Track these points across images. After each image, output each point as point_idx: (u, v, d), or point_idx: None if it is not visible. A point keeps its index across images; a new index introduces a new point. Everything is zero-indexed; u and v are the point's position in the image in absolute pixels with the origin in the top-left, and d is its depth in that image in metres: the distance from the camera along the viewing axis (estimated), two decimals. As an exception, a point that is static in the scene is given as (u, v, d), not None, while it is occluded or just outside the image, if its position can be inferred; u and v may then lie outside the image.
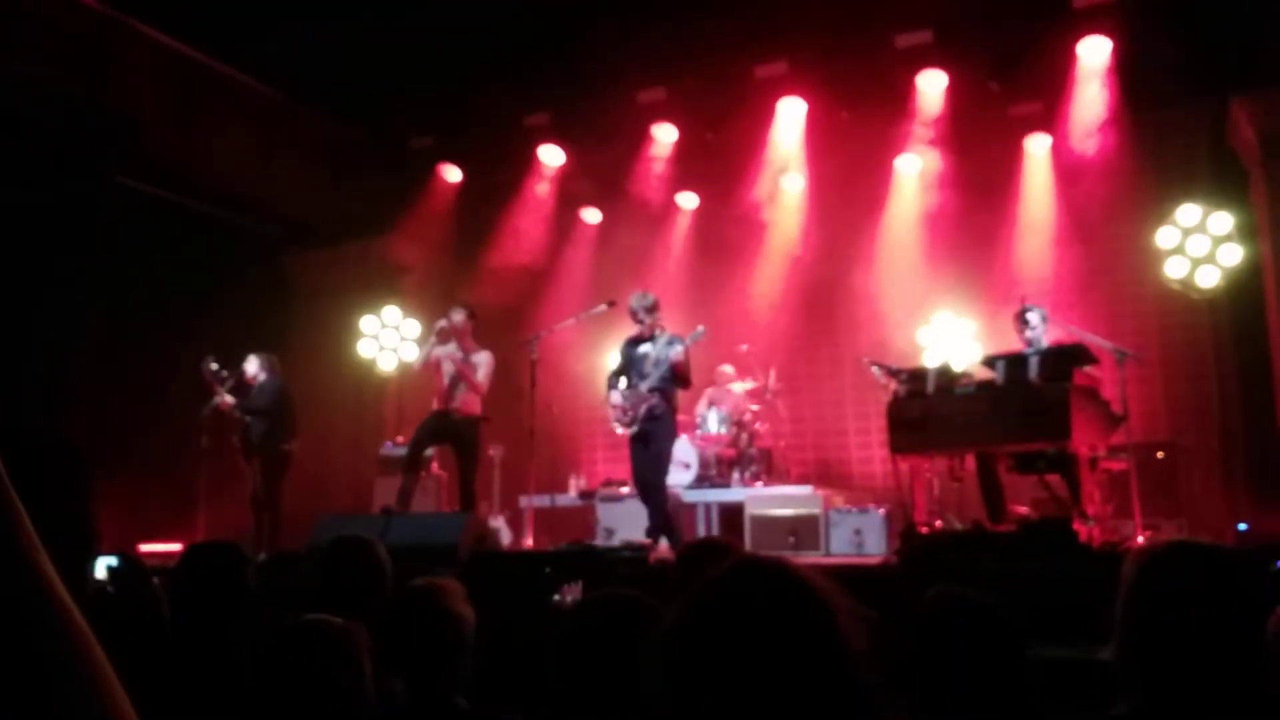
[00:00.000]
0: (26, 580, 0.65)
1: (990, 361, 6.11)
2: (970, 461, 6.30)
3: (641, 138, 9.34)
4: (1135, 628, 1.61)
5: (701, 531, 8.30)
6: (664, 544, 6.65)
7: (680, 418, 8.94)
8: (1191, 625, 1.54)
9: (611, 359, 7.24)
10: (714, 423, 8.91)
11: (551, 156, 9.84)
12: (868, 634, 0.98)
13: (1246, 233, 7.79)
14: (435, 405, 7.35)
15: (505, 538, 8.31)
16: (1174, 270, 7.91)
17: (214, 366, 7.71)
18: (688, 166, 9.59)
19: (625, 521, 7.86)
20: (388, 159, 10.08)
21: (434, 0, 7.83)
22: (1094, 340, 6.24)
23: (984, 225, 8.94)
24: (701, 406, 9.13)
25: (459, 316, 7.25)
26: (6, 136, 7.05)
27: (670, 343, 6.60)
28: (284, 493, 7.83)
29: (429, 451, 7.86)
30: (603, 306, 7.32)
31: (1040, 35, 7.83)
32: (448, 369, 7.24)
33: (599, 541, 7.64)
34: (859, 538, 7.47)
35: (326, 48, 8.17)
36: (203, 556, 3.06)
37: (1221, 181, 8.24)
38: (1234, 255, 7.74)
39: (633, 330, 6.86)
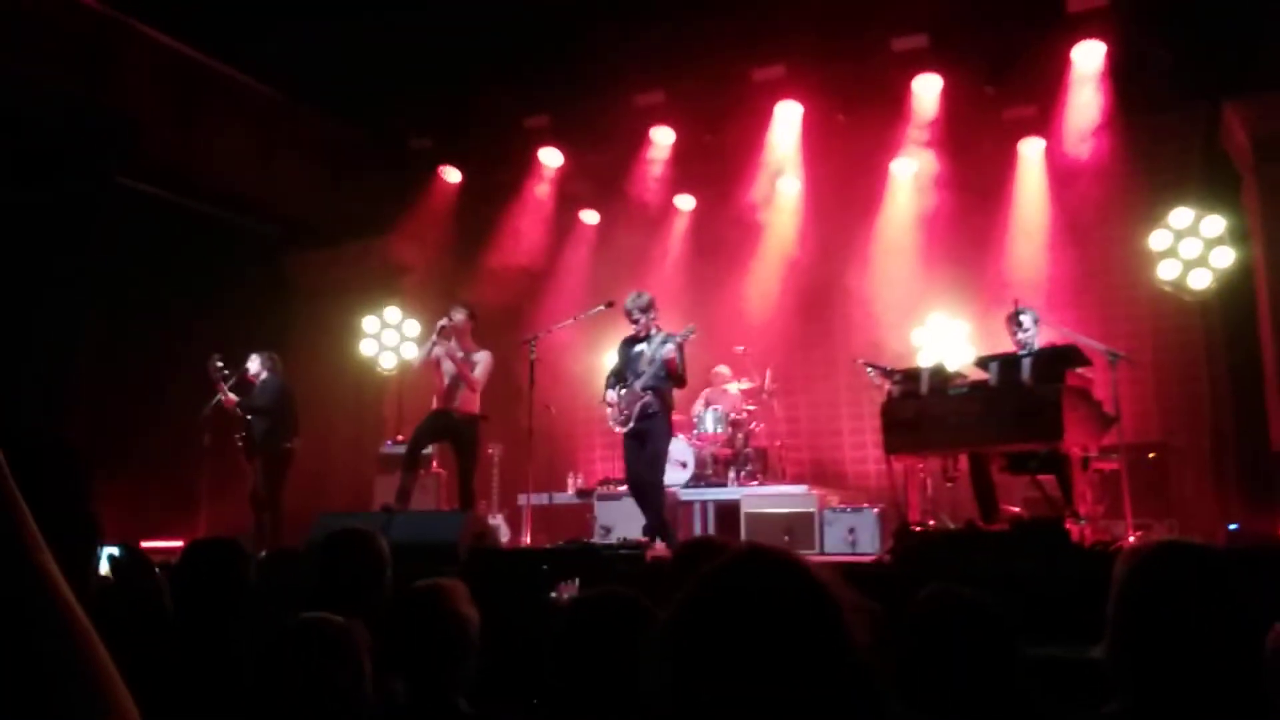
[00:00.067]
0: (30, 579, 0.65)
1: (983, 362, 6.13)
2: (963, 461, 6.33)
3: (640, 140, 9.38)
4: (1126, 627, 1.62)
5: (698, 530, 8.35)
6: (660, 542, 6.70)
7: (677, 417, 8.99)
8: (1182, 624, 1.55)
9: (609, 359, 7.29)
10: (710, 422, 8.96)
11: (551, 158, 9.88)
12: (872, 627, 0.98)
13: (1238, 236, 7.84)
14: (435, 404, 7.39)
15: (504, 535, 8.36)
16: (1166, 273, 7.96)
17: (219, 364, 7.75)
18: (685, 168, 9.64)
19: (622, 520, 7.90)
20: (388, 159, 10.10)
21: (434, 1, 7.84)
22: (1086, 342, 6.27)
23: (978, 228, 8.98)
24: (698, 406, 9.19)
25: (459, 316, 7.28)
26: (6, 136, 7.06)
27: (664, 342, 6.65)
28: (285, 491, 7.87)
29: (428, 450, 7.89)
30: (601, 307, 7.36)
31: (1035, 39, 7.87)
32: (448, 368, 7.28)
33: (596, 539, 7.68)
34: (853, 537, 7.52)
35: (326, 48, 8.18)
36: (203, 553, 3.07)
37: (1214, 185, 8.28)
38: (1226, 258, 7.78)
39: (630, 330, 6.91)
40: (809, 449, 10.08)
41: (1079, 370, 5.95)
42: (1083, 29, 7.76)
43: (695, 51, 8.17)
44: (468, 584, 2.58)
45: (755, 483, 8.67)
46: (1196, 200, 8.04)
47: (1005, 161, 9.02)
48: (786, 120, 9.03)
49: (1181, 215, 7.94)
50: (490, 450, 9.04)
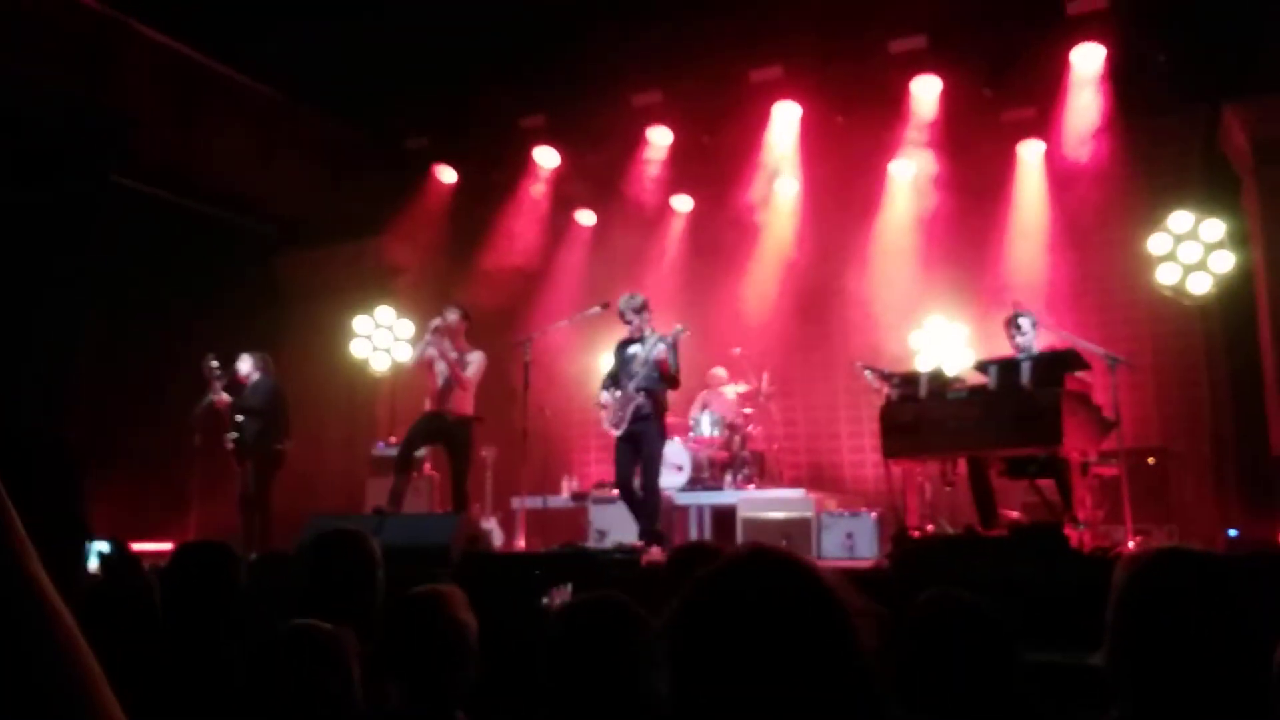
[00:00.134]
0: (16, 584, 0.65)
1: (982, 366, 6.12)
2: (962, 466, 6.31)
3: (637, 140, 9.36)
4: (1126, 635, 1.61)
5: (694, 534, 8.31)
6: (656, 546, 6.65)
7: (673, 419, 8.95)
8: (1182, 633, 1.54)
9: (605, 361, 7.24)
10: (707, 425, 8.92)
11: (547, 158, 9.85)
12: (878, 631, 0.98)
13: (1238, 239, 7.81)
14: (428, 406, 7.34)
15: (497, 539, 8.31)
16: (1166, 277, 7.94)
17: (214, 364, 7.71)
18: (683, 169, 9.61)
19: (618, 524, 7.85)
20: (384, 159, 10.08)
21: (431, 1, 7.82)
22: (1086, 345, 6.25)
23: (977, 230, 8.96)
24: (694, 409, 9.14)
25: (453, 316, 7.24)
26: (5, 136, 7.03)
27: (657, 343, 6.61)
28: (275, 493, 7.82)
29: (421, 452, 7.85)
30: (596, 308, 7.32)
31: (1034, 41, 7.87)
32: (440, 369, 7.24)
33: (591, 543, 7.63)
34: (851, 541, 7.47)
35: (324, 48, 8.16)
36: (194, 556, 3.03)
37: (1214, 188, 8.27)
38: (1226, 262, 7.76)
39: (625, 332, 6.87)
40: (806, 452, 10.04)
41: (1078, 374, 5.93)
42: (1082, 31, 7.76)
43: (693, 51, 8.16)
44: (459, 588, 2.55)
45: (752, 486, 8.63)
46: (1196, 203, 8.02)
47: (1004, 164, 9.01)
48: (784, 121, 9.01)
49: (1181, 218, 7.92)
50: (483, 453, 8.98)
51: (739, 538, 7.78)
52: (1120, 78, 7.83)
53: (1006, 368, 5.91)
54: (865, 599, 0.99)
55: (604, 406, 6.82)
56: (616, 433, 6.71)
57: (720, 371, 9.38)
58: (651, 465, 6.66)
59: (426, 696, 2.35)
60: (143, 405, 8.38)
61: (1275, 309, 7.55)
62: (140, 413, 8.33)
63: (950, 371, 6.51)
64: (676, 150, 9.44)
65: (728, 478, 8.78)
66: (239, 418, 7.71)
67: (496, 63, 8.47)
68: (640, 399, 6.59)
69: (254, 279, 9.82)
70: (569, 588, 4.89)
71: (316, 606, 2.43)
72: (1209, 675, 1.51)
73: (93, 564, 3.54)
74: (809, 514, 7.71)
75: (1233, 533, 6.89)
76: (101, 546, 3.67)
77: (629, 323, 6.73)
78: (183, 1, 8.04)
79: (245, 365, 7.89)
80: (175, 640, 2.78)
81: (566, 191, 10.16)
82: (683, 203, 10.37)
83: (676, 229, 10.44)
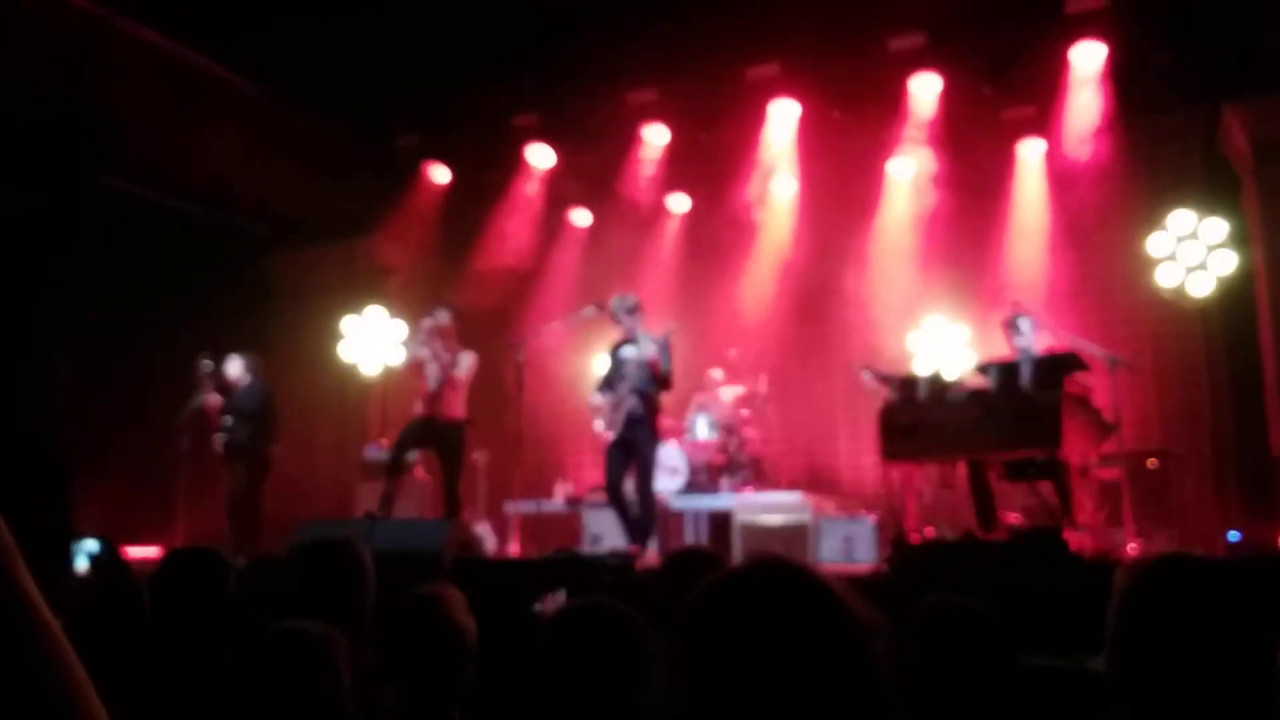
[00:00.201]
0: (3, 591, 0.64)
1: (982, 368, 6.13)
2: (961, 469, 6.30)
3: (632, 139, 9.32)
4: (1127, 640, 1.59)
5: (690, 539, 8.24)
6: (651, 551, 6.58)
7: (669, 422, 8.90)
8: (1183, 639, 1.52)
9: (600, 363, 7.18)
10: (703, 428, 8.85)
11: (540, 157, 9.79)
12: (886, 645, 0.97)
13: (1239, 240, 7.79)
14: (419, 409, 7.27)
15: (490, 545, 8.23)
16: (1166, 277, 7.90)
17: (208, 364, 7.64)
18: (678, 168, 9.57)
19: (613, 529, 7.75)
20: (375, 158, 10.02)
21: (422, -1, 7.78)
22: (1086, 347, 6.24)
23: (976, 230, 8.94)
24: (690, 412, 9.08)
25: (444, 317, 7.18)
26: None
27: (648, 344, 6.54)
28: (265, 497, 7.75)
29: (413, 456, 7.77)
30: (590, 309, 7.23)
31: (1034, 40, 7.86)
32: (432, 371, 7.17)
33: (586, 548, 7.56)
34: (849, 545, 7.41)
35: (314, 46, 8.12)
36: (182, 562, 3.04)
37: (1214, 188, 8.25)
38: (1227, 263, 7.72)
39: (619, 334, 6.81)
40: (804, 455, 9.98)
41: (1078, 376, 5.91)
42: (1082, 30, 7.75)
43: (689, 49, 8.13)
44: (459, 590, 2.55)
45: (749, 490, 8.56)
46: (1196, 203, 8.00)
47: (1004, 163, 8.99)
48: (782, 119, 8.96)
49: (1181, 219, 7.89)
50: (476, 456, 8.90)
51: (735, 542, 7.71)
52: (1120, 77, 7.83)
53: (1006, 370, 5.93)
54: (871, 607, 0.98)
55: (597, 409, 6.75)
56: (611, 436, 6.64)
57: (717, 373, 9.32)
58: (645, 470, 6.59)
59: (425, 698, 2.34)
60: (131, 407, 8.34)
61: (1276, 310, 7.53)
62: (128, 415, 8.28)
63: (950, 373, 6.48)
64: (672, 149, 9.39)
65: (724, 481, 8.72)
66: (228, 420, 7.64)
67: (489, 60, 8.43)
68: (632, 401, 6.51)
69: (244, 279, 9.76)
70: (562, 594, 4.82)
71: (306, 612, 2.41)
72: (1210, 681, 1.50)
73: (81, 564, 3.49)
74: (806, 518, 7.65)
75: (1233, 535, 6.85)
76: (90, 546, 3.62)
77: (621, 324, 6.66)
78: (170, 0, 7.97)
79: (236, 368, 7.81)
80: (164, 646, 2.78)
81: (561, 191, 10.10)
82: (679, 202, 10.32)
83: (672, 229, 10.39)
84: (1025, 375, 5.75)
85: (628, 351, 6.63)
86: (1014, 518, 6.66)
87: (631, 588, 4.90)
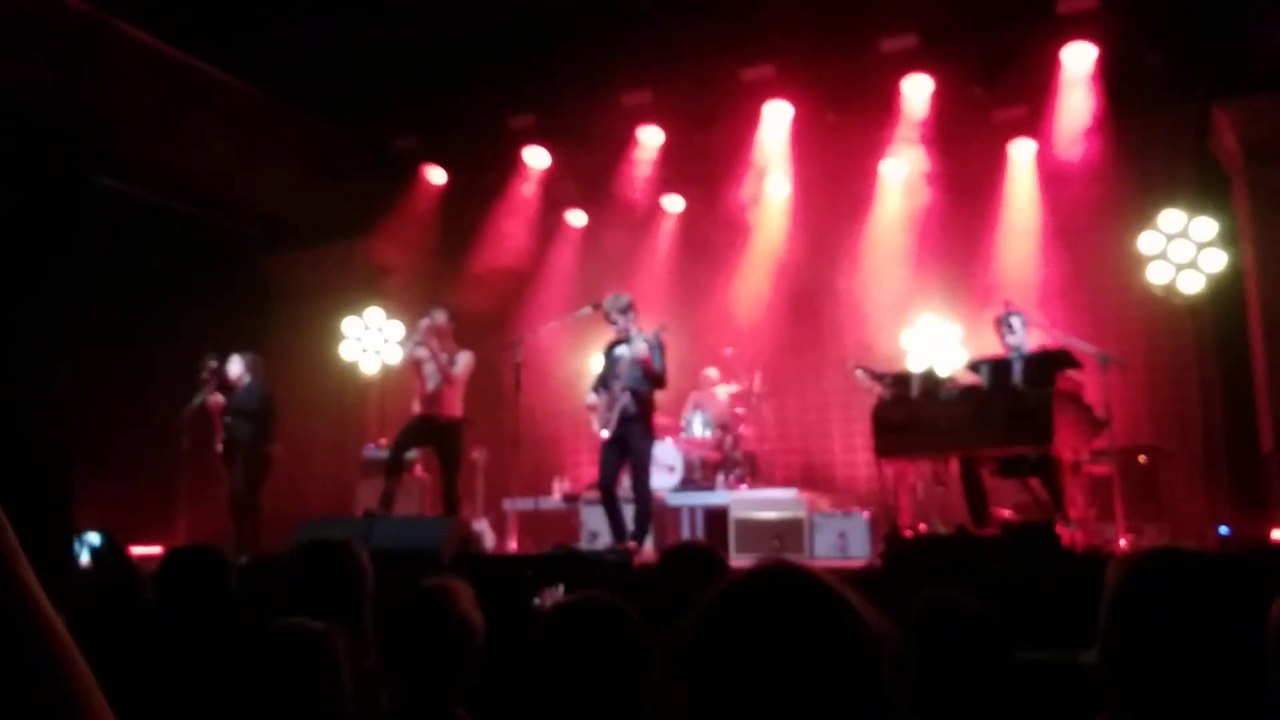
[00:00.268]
0: (7, 590, 0.64)
1: (974, 365, 6.14)
2: (954, 465, 6.32)
3: (627, 140, 9.34)
4: (1119, 634, 1.61)
5: (686, 535, 8.29)
6: (648, 547, 6.63)
7: (664, 420, 8.94)
8: (1175, 632, 1.54)
9: (596, 362, 7.23)
10: (698, 426, 8.91)
11: (536, 158, 9.82)
12: (895, 653, 0.97)
13: (1229, 239, 7.85)
14: (416, 408, 7.31)
15: (488, 541, 8.28)
16: (1157, 275, 7.96)
17: (213, 364, 7.68)
18: (674, 169, 9.60)
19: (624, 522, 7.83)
20: (371, 160, 10.03)
21: (419, 1, 7.78)
22: (1077, 344, 6.28)
23: (968, 229, 8.99)
24: (686, 410, 9.14)
25: (441, 317, 7.22)
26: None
27: (640, 342, 6.60)
28: (265, 496, 7.78)
29: (412, 454, 7.81)
30: (587, 309, 7.28)
31: (1025, 40, 7.89)
32: (429, 370, 7.21)
33: (583, 545, 7.61)
34: (843, 541, 7.47)
35: (310, 48, 8.11)
36: (184, 561, 3.04)
37: (1204, 187, 8.30)
38: (1217, 261, 7.78)
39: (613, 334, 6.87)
40: (799, 452, 10.04)
41: (1070, 373, 5.95)
42: (1073, 30, 7.77)
43: (683, 51, 8.14)
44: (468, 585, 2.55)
45: (744, 487, 8.62)
46: (1187, 203, 8.05)
47: (995, 163, 9.04)
48: (776, 120, 9.00)
49: (1172, 218, 7.94)
50: (475, 455, 8.95)
51: (731, 538, 7.78)
52: (1111, 77, 7.86)
53: (998, 367, 5.93)
54: (884, 619, 0.99)
55: (592, 408, 6.81)
56: (605, 434, 6.69)
57: (712, 372, 9.38)
58: (641, 467, 6.64)
59: (428, 692, 2.33)
60: (130, 407, 8.34)
61: (1266, 307, 7.59)
62: (128, 414, 8.28)
63: (942, 371, 6.52)
64: (667, 150, 9.42)
65: (720, 478, 8.77)
66: (228, 419, 7.67)
67: (485, 62, 8.44)
68: (626, 400, 6.57)
69: (242, 280, 9.77)
70: (560, 588, 4.87)
71: (306, 611, 2.39)
72: (1201, 673, 1.52)
73: (84, 558, 3.52)
74: (801, 514, 7.71)
75: (1224, 530, 6.91)
76: (92, 539, 3.66)
77: (614, 324, 6.72)
78: (166, 2, 7.98)
79: (237, 367, 7.84)
80: (166, 644, 2.78)
81: (557, 192, 10.13)
82: (674, 203, 10.36)
83: (667, 229, 10.43)
84: (1017, 372, 5.78)
85: (621, 351, 6.69)
86: (1006, 513, 6.72)
87: (629, 583, 4.96)
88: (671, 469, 8.61)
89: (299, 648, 2.11)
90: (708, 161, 9.48)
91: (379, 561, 3.08)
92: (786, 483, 9.00)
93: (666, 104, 8.89)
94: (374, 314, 9.73)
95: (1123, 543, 5.79)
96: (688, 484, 8.68)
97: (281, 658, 2.10)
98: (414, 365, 7.30)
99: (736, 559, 6.89)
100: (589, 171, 9.79)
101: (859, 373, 6.81)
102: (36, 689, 0.63)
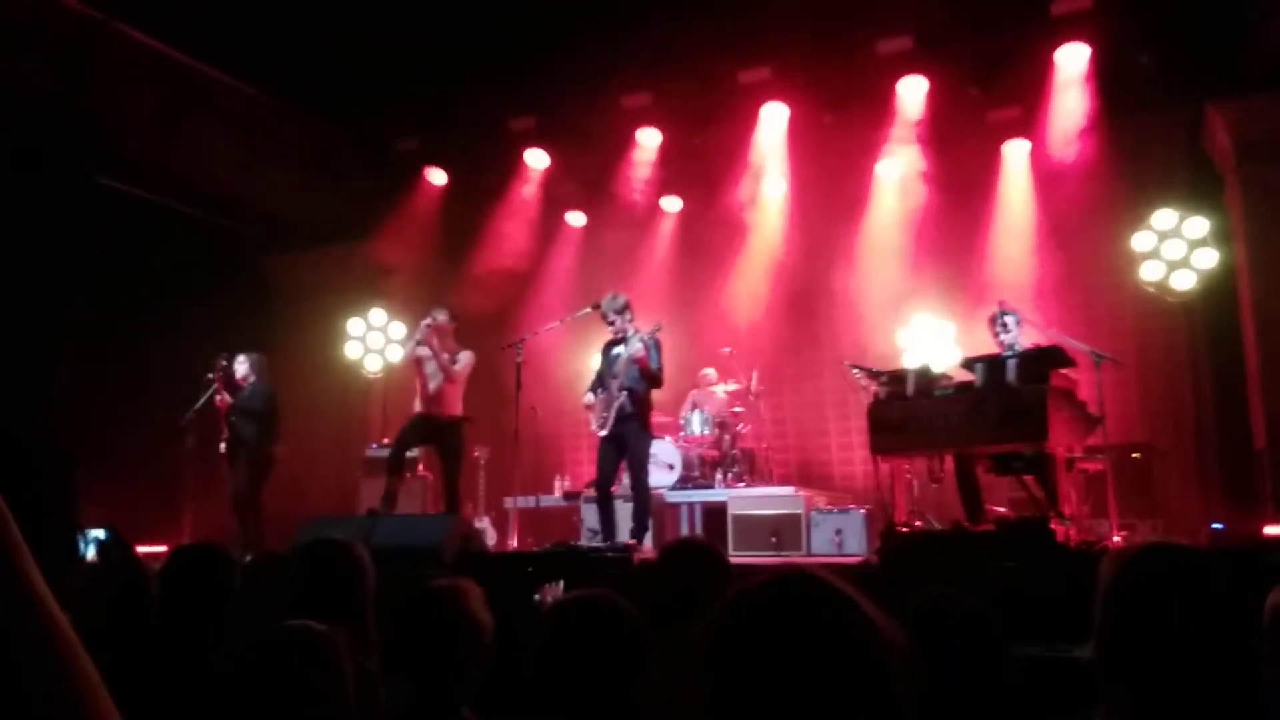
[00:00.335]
0: (12, 589, 0.64)
1: (969, 364, 6.15)
2: (949, 462, 6.35)
3: (626, 142, 9.39)
4: (1114, 628, 1.63)
5: (685, 532, 8.35)
6: (648, 544, 6.69)
7: (663, 419, 9.01)
8: (1169, 626, 1.56)
9: (596, 361, 7.29)
10: (697, 424, 8.97)
11: (537, 159, 9.87)
12: (910, 667, 0.97)
13: (1221, 237, 7.90)
14: (417, 407, 7.35)
15: (490, 539, 8.34)
16: (1150, 274, 8.02)
17: (224, 363, 7.72)
18: (672, 170, 9.66)
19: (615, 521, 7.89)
20: (373, 161, 10.05)
21: (421, 3, 7.81)
22: (1071, 342, 6.31)
23: (963, 228, 9.04)
24: (685, 408, 9.20)
25: (441, 316, 7.26)
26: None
27: (637, 342, 6.66)
28: (268, 495, 7.82)
29: (413, 453, 7.86)
30: (587, 309, 7.34)
31: (1019, 42, 7.92)
32: (430, 369, 7.25)
33: (584, 542, 7.67)
34: (840, 537, 7.54)
35: (311, 49, 8.12)
36: (188, 559, 3.06)
37: (1197, 186, 8.35)
38: (1209, 259, 7.84)
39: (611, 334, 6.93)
40: (796, 450, 10.11)
41: (1063, 371, 5.98)
42: (1066, 32, 7.80)
43: (682, 53, 8.17)
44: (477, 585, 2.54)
45: (742, 484, 8.69)
46: (1180, 201, 8.11)
47: (990, 163, 9.08)
48: (773, 122, 9.05)
49: (1165, 216, 8.00)
50: (476, 453, 9.02)
51: (729, 535, 7.84)
52: (1105, 78, 7.88)
53: (993, 365, 5.94)
54: (897, 628, 0.99)
55: (590, 408, 6.88)
56: (603, 433, 6.76)
57: (710, 371, 9.44)
58: (639, 465, 6.71)
59: (436, 691, 2.33)
60: (132, 407, 8.35)
61: (1258, 305, 7.64)
62: (127, 414, 8.30)
63: (937, 369, 6.56)
64: (666, 151, 9.47)
65: (718, 476, 8.84)
66: (233, 419, 7.72)
67: (486, 64, 8.47)
68: (623, 399, 6.64)
69: (244, 280, 9.80)
70: (560, 584, 4.92)
71: (308, 610, 2.42)
72: (1195, 667, 1.53)
73: (90, 554, 3.55)
74: (799, 511, 7.78)
75: (1217, 526, 6.97)
76: (98, 534, 3.70)
77: (611, 324, 6.79)
78: (167, 3, 8.00)
79: (242, 367, 7.88)
80: (170, 641, 2.79)
81: (557, 193, 10.17)
82: (672, 203, 10.41)
83: (666, 229, 10.49)
84: (1011, 370, 5.80)
85: (618, 350, 6.76)
86: (1001, 510, 6.77)
87: (629, 580, 5.02)
88: (670, 467, 8.68)
89: (302, 649, 2.13)
90: (706, 162, 9.53)
91: (381, 559, 3.11)
92: (784, 480, 9.07)
93: (665, 106, 8.92)
94: (376, 314, 9.79)
95: (1116, 539, 5.82)
96: (686, 481, 8.75)
97: (284, 659, 2.11)
98: (415, 364, 7.34)
99: (735, 555, 6.96)
100: (589, 172, 9.84)
101: (854, 371, 6.87)
102: (41, 686, 0.62)
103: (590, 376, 7.11)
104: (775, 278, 9.70)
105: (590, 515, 8.32)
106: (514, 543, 7.45)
